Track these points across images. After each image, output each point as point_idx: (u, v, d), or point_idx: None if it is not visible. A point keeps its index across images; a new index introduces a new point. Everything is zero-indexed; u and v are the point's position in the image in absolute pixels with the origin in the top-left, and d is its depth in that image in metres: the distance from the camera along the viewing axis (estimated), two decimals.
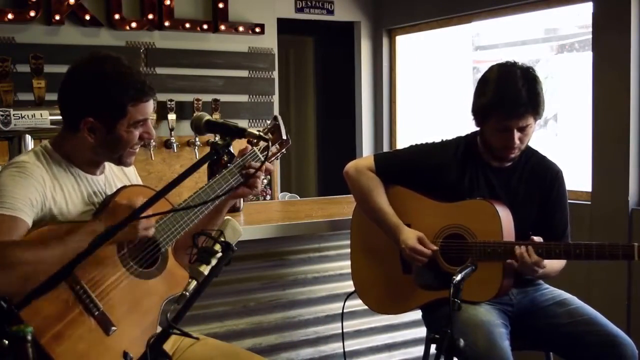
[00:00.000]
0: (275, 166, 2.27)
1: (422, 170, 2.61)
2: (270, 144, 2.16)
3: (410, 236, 2.50)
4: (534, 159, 2.60)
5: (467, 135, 2.65)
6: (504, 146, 2.47)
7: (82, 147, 1.99)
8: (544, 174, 2.58)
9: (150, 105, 2.01)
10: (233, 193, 2.12)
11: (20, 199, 1.83)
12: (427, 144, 2.68)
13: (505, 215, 2.46)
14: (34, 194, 1.87)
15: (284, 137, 2.27)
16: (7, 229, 1.79)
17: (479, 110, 2.50)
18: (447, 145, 2.64)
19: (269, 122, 2.28)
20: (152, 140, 4.60)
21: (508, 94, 2.42)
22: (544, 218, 2.56)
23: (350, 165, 2.69)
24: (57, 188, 1.94)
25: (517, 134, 2.43)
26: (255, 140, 2.13)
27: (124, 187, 2.06)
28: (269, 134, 2.25)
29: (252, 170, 2.10)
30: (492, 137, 2.49)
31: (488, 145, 2.53)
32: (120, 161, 2.04)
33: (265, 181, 2.24)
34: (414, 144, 2.71)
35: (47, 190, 1.91)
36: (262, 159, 2.14)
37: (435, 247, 2.49)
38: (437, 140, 2.68)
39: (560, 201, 2.58)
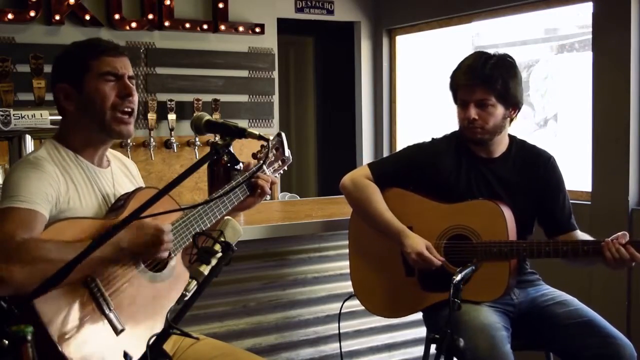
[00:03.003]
0: (277, 178, 2.33)
1: (417, 169, 2.62)
2: (270, 145, 2.21)
3: (418, 242, 2.50)
4: (523, 149, 2.63)
5: (455, 131, 2.66)
6: (463, 119, 2.53)
7: (74, 126, 2.02)
8: (536, 161, 2.59)
9: (118, 62, 2.02)
10: (239, 205, 2.20)
11: (36, 193, 1.85)
12: (418, 143, 2.71)
13: (508, 215, 2.47)
14: (48, 189, 1.88)
15: (286, 154, 2.32)
16: (26, 222, 1.79)
17: (450, 87, 2.60)
18: (439, 142, 2.67)
19: (272, 137, 2.31)
20: (152, 139, 4.63)
21: (464, 65, 2.54)
22: (548, 206, 2.57)
23: (346, 178, 2.69)
24: (70, 184, 1.95)
25: (474, 109, 2.49)
26: (260, 155, 2.26)
27: (140, 188, 2.09)
28: (273, 150, 2.30)
29: (259, 180, 2.19)
30: (457, 114, 2.56)
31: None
32: (110, 129, 2.01)
33: (268, 197, 2.30)
34: (405, 146, 2.74)
35: (61, 187, 1.92)
36: (269, 172, 2.26)
37: (442, 259, 2.49)
38: (427, 139, 2.71)
39: (560, 186, 2.60)
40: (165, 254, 1.93)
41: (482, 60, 2.51)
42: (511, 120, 2.58)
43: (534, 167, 2.58)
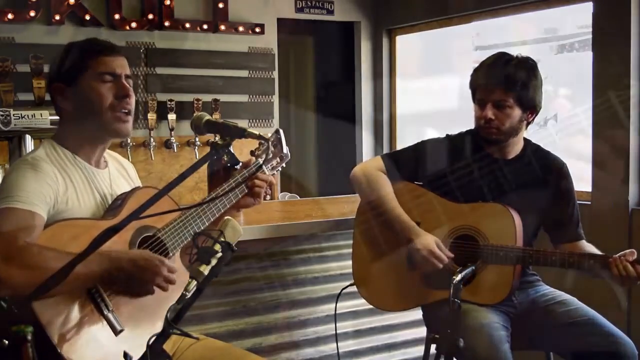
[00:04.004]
0: (276, 177, 2.31)
1: (430, 164, 2.62)
2: (270, 144, 2.20)
3: (429, 240, 2.49)
4: (537, 154, 2.63)
5: (471, 129, 2.66)
6: (479, 118, 2.53)
7: (71, 127, 2.02)
8: (549, 167, 2.60)
9: (115, 61, 2.02)
10: (237, 204, 2.19)
11: (34, 194, 1.84)
12: (433, 138, 2.70)
13: (518, 221, 2.47)
14: (47, 189, 1.88)
15: (284, 151, 2.31)
16: (26, 225, 1.79)
17: (469, 86, 2.61)
18: (453, 139, 2.67)
19: (270, 134, 2.30)
20: (152, 139, 4.63)
21: (485, 65, 2.55)
22: (556, 212, 2.57)
23: (357, 168, 2.69)
24: (69, 184, 1.95)
25: (491, 109, 2.49)
26: (258, 152, 2.23)
27: (138, 188, 2.08)
28: (271, 147, 2.28)
29: (256, 181, 2.17)
30: (475, 112, 2.57)
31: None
32: (109, 128, 2.01)
33: (267, 196, 2.28)
34: (419, 141, 2.72)
35: (60, 187, 1.92)
36: (267, 170, 2.23)
37: (451, 255, 2.48)
38: (442, 135, 2.71)
39: (570, 194, 2.60)
40: (164, 286, 1.90)
41: (503, 61, 2.52)
42: (528, 123, 2.58)
43: (545, 172, 2.58)
